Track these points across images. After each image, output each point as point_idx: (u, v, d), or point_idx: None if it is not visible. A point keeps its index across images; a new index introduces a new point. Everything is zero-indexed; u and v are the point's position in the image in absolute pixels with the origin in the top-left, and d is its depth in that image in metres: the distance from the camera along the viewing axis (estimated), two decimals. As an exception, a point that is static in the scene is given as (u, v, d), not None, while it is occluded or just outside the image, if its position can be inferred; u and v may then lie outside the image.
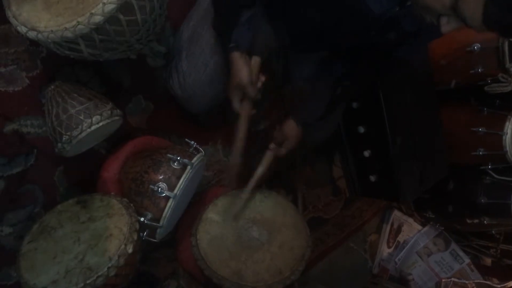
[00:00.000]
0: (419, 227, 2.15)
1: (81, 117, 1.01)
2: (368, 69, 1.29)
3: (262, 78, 1.14)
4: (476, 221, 1.78)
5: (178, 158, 1.08)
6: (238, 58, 1.08)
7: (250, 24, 1.09)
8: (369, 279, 2.11)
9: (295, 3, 1.10)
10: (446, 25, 0.79)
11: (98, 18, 0.85)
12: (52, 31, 0.87)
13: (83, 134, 1.01)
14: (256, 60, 1.12)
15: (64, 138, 1.01)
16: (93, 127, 1.02)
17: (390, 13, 0.98)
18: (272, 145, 1.28)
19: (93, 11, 0.85)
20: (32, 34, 0.88)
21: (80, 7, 0.87)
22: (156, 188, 1.05)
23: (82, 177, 1.24)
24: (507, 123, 1.59)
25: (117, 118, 1.08)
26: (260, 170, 1.27)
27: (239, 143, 1.19)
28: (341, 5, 1.01)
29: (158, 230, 1.08)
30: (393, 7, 0.97)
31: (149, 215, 1.05)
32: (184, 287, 1.46)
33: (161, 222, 1.06)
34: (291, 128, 1.26)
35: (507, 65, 1.47)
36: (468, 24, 0.75)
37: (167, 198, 1.05)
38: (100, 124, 1.03)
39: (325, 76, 1.28)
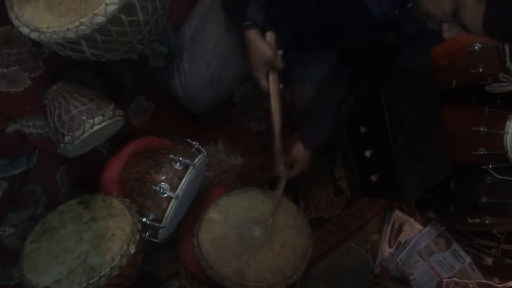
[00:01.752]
0: (420, 227, 2.15)
1: (83, 118, 1.01)
2: (372, 79, 1.29)
3: (280, 51, 1.12)
4: (477, 220, 1.78)
5: (180, 158, 1.08)
6: (255, 36, 1.07)
7: (262, 1, 1.07)
8: (370, 279, 2.11)
9: (296, 3, 1.10)
10: (448, 32, 0.80)
11: (100, 19, 0.86)
12: (54, 31, 0.87)
13: (85, 134, 1.01)
14: (271, 35, 1.11)
15: (66, 139, 1.01)
16: (95, 128, 1.02)
17: (390, 16, 0.98)
18: (282, 168, 1.29)
19: (95, 12, 0.85)
20: (34, 35, 0.89)
21: (82, 8, 0.88)
22: (158, 188, 1.05)
23: (84, 177, 1.25)
24: (508, 123, 1.58)
25: (119, 118, 1.08)
26: (277, 196, 1.27)
27: (278, 123, 1.18)
28: (341, 6, 1.01)
29: (160, 231, 1.08)
30: (393, 9, 0.97)
31: (151, 216, 1.06)
32: (186, 287, 1.46)
33: (163, 223, 1.06)
34: (299, 151, 1.28)
35: (508, 64, 1.47)
36: (469, 31, 0.76)
37: (169, 198, 1.06)
38: (102, 124, 1.03)
39: (330, 94, 1.29)
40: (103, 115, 1.03)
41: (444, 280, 1.98)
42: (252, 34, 1.07)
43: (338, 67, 1.31)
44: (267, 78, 1.13)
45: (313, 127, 1.30)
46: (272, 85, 1.14)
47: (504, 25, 0.70)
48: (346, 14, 1.03)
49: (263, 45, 1.08)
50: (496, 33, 0.74)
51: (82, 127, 1.01)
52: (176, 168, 1.09)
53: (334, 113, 1.27)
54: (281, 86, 1.17)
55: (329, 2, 1.02)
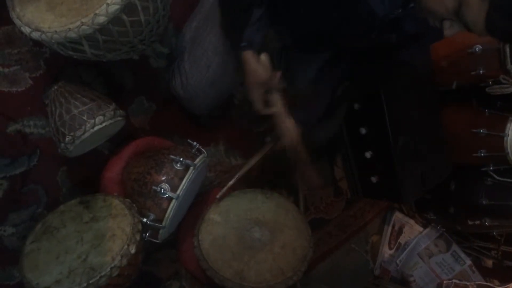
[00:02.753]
0: (420, 228, 2.14)
1: (84, 118, 1.02)
2: (370, 70, 1.29)
3: (278, 73, 1.12)
4: (477, 222, 1.78)
5: (181, 159, 1.08)
6: (251, 57, 1.08)
7: (261, 23, 1.08)
8: (370, 280, 2.10)
9: (297, 3, 1.10)
10: (449, 29, 0.80)
11: (102, 19, 0.86)
12: (56, 31, 0.87)
13: (86, 134, 1.01)
14: (265, 57, 1.11)
15: (67, 139, 1.01)
16: (96, 128, 1.02)
17: (393, 15, 0.99)
18: (268, 139, 1.30)
19: (97, 12, 0.85)
20: (36, 35, 0.89)
21: (84, 8, 0.88)
22: (158, 189, 1.05)
23: (85, 177, 1.25)
24: (508, 125, 1.58)
25: (120, 118, 1.08)
26: (254, 159, 1.29)
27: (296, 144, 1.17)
28: (343, 6, 1.01)
29: (160, 231, 1.08)
30: (396, 9, 0.97)
31: (152, 216, 1.06)
32: (186, 287, 1.46)
33: (163, 223, 1.06)
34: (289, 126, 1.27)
35: (508, 66, 1.47)
36: (471, 29, 0.76)
37: (169, 199, 1.06)
38: (103, 124, 1.03)
39: (326, 77, 1.29)
40: (104, 115, 1.04)
41: (444, 282, 1.98)
42: (248, 55, 1.07)
43: (338, 56, 1.30)
44: (265, 99, 1.13)
45: (307, 104, 1.29)
46: (277, 104, 1.14)
47: (506, 25, 0.71)
48: (347, 14, 1.03)
49: (258, 66, 1.08)
50: (497, 33, 0.74)
51: (83, 127, 1.01)
52: (177, 169, 1.09)
53: (328, 94, 1.26)
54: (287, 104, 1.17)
55: (330, 2, 1.02)
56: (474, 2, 0.71)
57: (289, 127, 1.25)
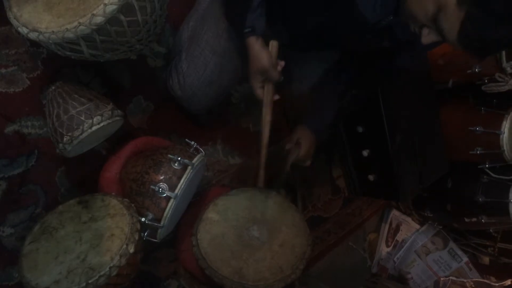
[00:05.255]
0: (417, 226, 2.16)
1: (82, 118, 1.02)
2: (373, 76, 1.30)
3: (282, 63, 1.11)
4: (474, 219, 1.79)
5: (179, 158, 1.08)
6: (255, 43, 1.06)
7: (262, 8, 1.07)
8: (368, 278, 2.11)
9: (293, 5, 1.10)
10: (427, 36, 0.83)
11: (99, 19, 0.86)
12: (53, 32, 0.87)
13: (84, 134, 1.01)
14: (274, 44, 1.10)
15: (65, 139, 1.01)
16: (94, 128, 1.02)
17: (384, 22, 0.99)
18: (289, 145, 1.30)
19: (94, 12, 0.85)
20: (33, 35, 0.89)
21: (81, 8, 0.88)
22: (157, 188, 1.05)
23: (83, 177, 1.25)
24: (504, 122, 1.60)
25: (118, 118, 1.08)
26: (286, 166, 1.31)
27: (266, 134, 1.17)
28: (336, 10, 1.02)
29: (159, 230, 1.08)
30: (387, 15, 0.98)
31: (150, 215, 1.06)
32: (185, 287, 1.46)
33: (162, 222, 1.06)
34: (304, 131, 1.29)
35: (504, 64, 1.49)
36: (445, 38, 0.78)
37: (168, 198, 1.06)
38: (101, 124, 1.03)
39: (333, 84, 1.30)
40: (101, 115, 1.04)
41: (441, 279, 1.99)
42: (253, 41, 1.06)
43: (342, 61, 1.31)
44: (263, 87, 1.12)
45: (316, 114, 1.30)
46: (265, 95, 1.13)
47: (476, 37, 0.73)
48: (340, 18, 1.03)
49: (262, 53, 1.06)
50: (467, 43, 0.76)
51: (81, 127, 1.01)
52: (175, 168, 1.09)
53: (336, 102, 1.27)
54: (277, 97, 1.16)
55: (324, 5, 1.03)
56: (451, 9, 0.73)
57: (308, 135, 1.27)
